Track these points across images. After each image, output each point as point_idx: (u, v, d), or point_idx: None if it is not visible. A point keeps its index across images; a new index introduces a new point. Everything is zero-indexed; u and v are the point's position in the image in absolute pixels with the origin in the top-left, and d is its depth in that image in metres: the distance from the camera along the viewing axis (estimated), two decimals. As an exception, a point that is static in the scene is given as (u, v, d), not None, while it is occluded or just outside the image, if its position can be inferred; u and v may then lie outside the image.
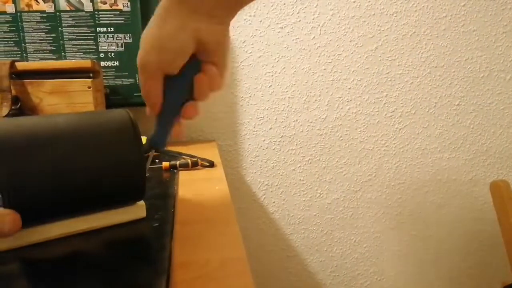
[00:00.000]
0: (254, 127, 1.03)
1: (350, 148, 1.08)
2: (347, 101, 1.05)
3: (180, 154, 0.76)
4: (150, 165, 0.67)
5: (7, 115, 0.63)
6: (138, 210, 0.44)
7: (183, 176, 0.64)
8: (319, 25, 0.99)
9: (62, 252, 0.38)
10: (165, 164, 0.65)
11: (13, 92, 0.65)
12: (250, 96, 1.00)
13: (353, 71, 1.03)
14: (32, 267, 0.35)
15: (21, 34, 0.78)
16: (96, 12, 0.79)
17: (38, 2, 0.77)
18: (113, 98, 0.82)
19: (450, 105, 1.09)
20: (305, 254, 1.14)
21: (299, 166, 1.08)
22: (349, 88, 1.04)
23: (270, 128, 1.03)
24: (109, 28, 0.80)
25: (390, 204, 1.15)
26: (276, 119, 1.03)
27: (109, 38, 0.81)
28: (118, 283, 0.33)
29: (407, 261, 1.20)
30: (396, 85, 1.06)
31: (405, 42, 1.03)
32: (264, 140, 1.04)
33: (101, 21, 0.80)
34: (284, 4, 0.96)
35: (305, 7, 0.97)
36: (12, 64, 0.65)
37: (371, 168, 1.11)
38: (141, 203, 0.45)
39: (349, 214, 1.14)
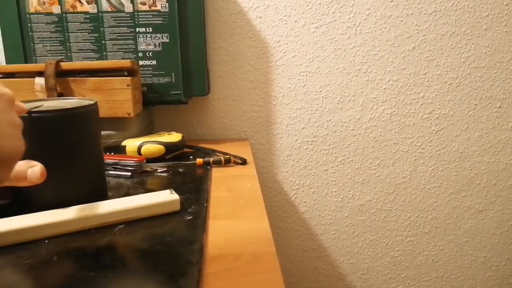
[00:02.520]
0: (286, 127, 1.03)
1: (384, 150, 1.07)
2: (382, 102, 1.03)
3: (214, 151, 0.78)
4: (184, 161, 0.69)
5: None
6: (172, 204, 0.46)
7: (216, 173, 0.65)
8: (354, 24, 0.98)
9: (103, 241, 0.40)
10: (199, 160, 0.67)
11: (58, 89, 0.68)
12: (283, 96, 1.01)
13: (389, 71, 1.01)
14: (77, 253, 0.37)
15: (66, 34, 0.82)
16: (135, 13, 0.82)
17: (82, 4, 0.81)
18: (150, 95, 0.85)
19: (491, 107, 1.05)
20: (336, 255, 1.14)
21: (332, 167, 1.07)
22: (384, 89, 1.02)
23: (303, 128, 1.03)
24: (147, 28, 0.83)
25: (425, 207, 1.12)
26: (309, 118, 1.03)
27: (147, 38, 0.83)
28: (153, 271, 0.34)
29: (441, 267, 1.17)
30: (434, 86, 1.03)
31: (444, 42, 1.00)
32: (296, 140, 1.04)
33: (140, 22, 0.82)
34: (320, 4, 0.96)
35: (341, 6, 0.96)
36: (57, 64, 0.69)
37: (406, 171, 1.09)
38: (176, 197, 0.46)
39: (382, 216, 1.12)
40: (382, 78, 1.01)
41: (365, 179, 1.08)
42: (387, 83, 1.02)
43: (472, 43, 1.01)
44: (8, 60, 0.82)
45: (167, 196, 0.47)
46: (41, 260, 0.37)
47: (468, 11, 0.98)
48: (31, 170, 0.37)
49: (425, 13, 0.98)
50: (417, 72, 1.02)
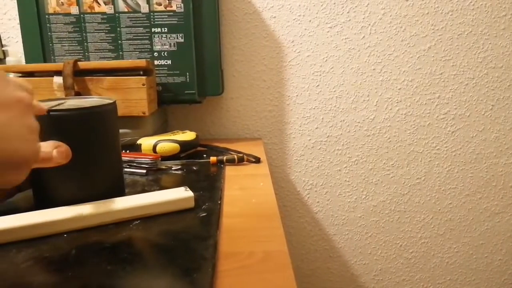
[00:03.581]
0: (300, 126, 1.03)
1: (398, 150, 1.06)
2: (397, 102, 1.02)
3: (227, 150, 0.78)
4: (198, 160, 0.70)
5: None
6: (187, 201, 0.47)
7: (229, 172, 0.66)
8: (369, 24, 0.97)
9: (120, 236, 0.41)
10: (213, 159, 0.68)
11: (76, 88, 0.70)
12: (297, 95, 1.01)
13: (404, 71, 1.00)
14: (95, 247, 0.38)
15: (84, 34, 0.84)
16: (151, 13, 0.83)
17: (100, 4, 0.83)
18: (165, 95, 0.86)
19: (508, 108, 1.04)
20: (348, 255, 1.13)
21: (345, 167, 1.07)
22: (399, 89, 1.01)
23: (316, 128, 1.03)
24: (163, 29, 0.84)
25: (440, 209, 1.11)
26: (322, 118, 1.03)
27: (162, 38, 0.84)
28: (168, 266, 0.35)
29: (456, 270, 1.15)
30: (450, 86, 1.02)
31: (460, 42, 0.99)
32: (310, 140, 1.04)
33: (156, 22, 0.83)
34: (334, 3, 0.96)
35: (356, 6, 0.96)
36: (75, 63, 0.70)
37: (420, 172, 1.08)
38: (190, 194, 0.47)
39: (396, 217, 1.11)
40: (397, 78, 1.01)
41: (378, 180, 1.08)
42: (402, 83, 1.01)
43: (490, 43, 0.99)
44: (28, 60, 0.84)
45: (182, 193, 0.47)
46: (60, 253, 0.38)
47: (486, 11, 0.97)
48: (56, 151, 0.38)
49: (441, 13, 0.97)
50: (433, 72, 1.01)
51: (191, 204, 0.47)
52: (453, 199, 1.10)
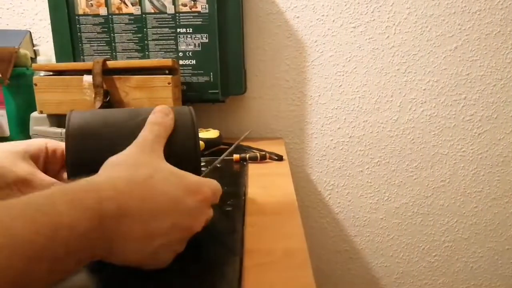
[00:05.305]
0: (322, 126, 1.03)
1: (422, 152, 1.04)
2: (421, 103, 1.01)
3: (250, 148, 0.79)
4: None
5: (100, 107, 0.70)
6: None
7: (252, 170, 0.67)
8: (394, 24, 0.96)
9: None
10: (236, 156, 0.69)
11: (104, 87, 0.72)
12: (319, 95, 1.01)
13: (429, 71, 0.99)
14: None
15: (112, 34, 0.86)
16: (177, 14, 0.85)
17: (127, 5, 0.85)
18: (189, 94, 0.87)
19: (538, 110, 1.01)
20: (369, 257, 1.12)
21: (367, 168, 1.06)
22: (424, 89, 1.00)
23: (339, 128, 1.03)
24: (188, 29, 0.85)
25: (465, 212, 1.08)
26: (345, 119, 1.02)
27: (187, 38, 0.86)
28: (197, 258, 0.36)
29: (480, 275, 1.13)
30: (477, 87, 1.00)
31: (488, 42, 0.97)
32: (331, 140, 1.04)
33: (181, 23, 0.85)
34: (358, 3, 0.95)
35: (380, 6, 0.95)
36: (104, 62, 0.73)
37: (445, 174, 1.06)
38: None
39: (419, 220, 1.09)
40: (422, 79, 0.99)
41: (401, 182, 1.06)
42: (427, 83, 1.00)
43: (519, 43, 0.97)
44: (58, 59, 0.87)
45: None
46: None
47: (515, 10, 0.95)
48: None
49: (469, 12, 0.95)
50: (459, 72, 0.99)
51: None
52: (479, 203, 1.08)
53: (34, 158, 0.41)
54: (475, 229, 1.09)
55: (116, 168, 0.33)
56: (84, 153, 0.37)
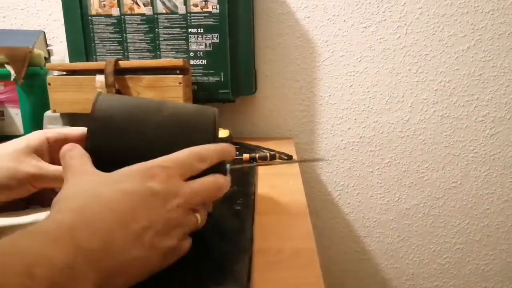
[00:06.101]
0: (332, 127, 1.03)
1: (433, 153, 1.03)
2: (433, 103, 1.00)
3: (259, 148, 0.79)
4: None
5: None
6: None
7: (261, 170, 0.67)
8: (405, 24, 0.96)
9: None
10: (246, 156, 0.69)
11: (116, 86, 0.73)
12: (329, 95, 1.01)
13: (441, 72, 0.98)
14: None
15: (124, 35, 0.87)
16: (188, 14, 0.85)
17: (139, 6, 0.86)
18: (200, 94, 0.88)
19: (553, 111, 0.99)
20: (379, 258, 1.12)
21: (377, 169, 1.05)
22: (436, 90, 0.99)
23: (349, 128, 1.03)
24: (199, 29, 0.86)
25: (476, 214, 1.07)
26: (355, 119, 1.02)
27: (198, 38, 0.86)
28: (207, 255, 0.37)
29: (492, 278, 1.11)
30: (489, 88, 0.99)
31: (501, 42, 0.96)
32: (342, 140, 1.04)
33: (192, 23, 0.86)
34: (370, 3, 0.95)
35: (392, 5, 0.95)
36: (116, 62, 0.74)
37: (456, 175, 1.05)
38: None
39: (429, 221, 1.08)
40: (434, 79, 0.99)
41: (412, 182, 1.06)
42: (438, 84, 0.99)
43: (533, 43, 0.95)
44: (71, 59, 0.88)
45: None
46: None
47: (530, 9, 0.93)
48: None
49: (482, 12, 0.94)
50: (472, 73, 0.98)
51: (209, 208, 0.47)
52: (491, 205, 1.06)
53: (38, 152, 0.41)
54: (487, 231, 1.08)
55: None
56: (106, 141, 0.37)
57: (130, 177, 0.32)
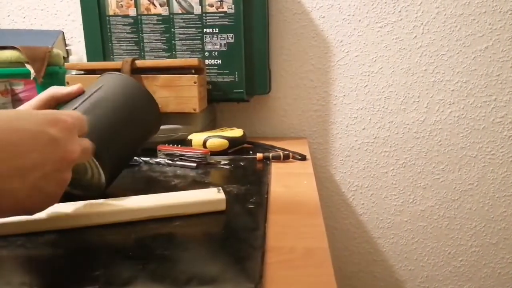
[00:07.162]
0: (346, 127, 1.02)
1: (449, 154, 1.02)
2: (449, 104, 0.99)
3: (273, 147, 0.80)
4: (245, 156, 0.72)
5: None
6: (218, 203, 0.47)
7: (275, 169, 0.67)
8: (422, 23, 0.95)
9: (173, 225, 0.44)
10: (259, 155, 0.69)
11: (132, 85, 0.74)
12: (344, 95, 1.00)
13: (458, 72, 0.97)
14: (138, 242, 0.41)
15: (140, 35, 0.89)
16: (203, 15, 0.86)
17: (156, 6, 0.87)
18: (215, 93, 0.89)
19: None
20: (393, 260, 1.11)
21: (392, 169, 1.05)
22: (452, 90, 0.98)
23: (363, 129, 1.02)
24: (214, 29, 0.87)
25: (493, 217, 1.06)
26: (370, 119, 1.01)
27: (213, 38, 0.87)
28: (220, 253, 0.37)
29: (509, 281, 1.09)
30: (508, 88, 0.97)
31: (521, 42, 0.94)
32: (356, 140, 1.03)
33: (207, 23, 0.86)
34: (385, 2, 0.94)
35: (408, 5, 0.94)
36: (132, 62, 0.75)
37: (473, 177, 1.03)
38: (222, 196, 0.47)
39: (445, 224, 1.07)
40: (450, 79, 0.97)
41: (427, 184, 1.05)
42: (455, 84, 0.98)
43: (554, 43, 0.93)
44: (89, 58, 0.90)
45: (214, 195, 0.47)
46: (122, 237, 0.41)
47: (551, 9, 0.92)
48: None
49: (500, 11, 0.92)
50: (489, 73, 0.96)
51: (223, 206, 0.47)
52: (508, 207, 1.04)
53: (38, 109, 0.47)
54: (504, 234, 1.06)
55: None
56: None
57: (34, 116, 0.35)
